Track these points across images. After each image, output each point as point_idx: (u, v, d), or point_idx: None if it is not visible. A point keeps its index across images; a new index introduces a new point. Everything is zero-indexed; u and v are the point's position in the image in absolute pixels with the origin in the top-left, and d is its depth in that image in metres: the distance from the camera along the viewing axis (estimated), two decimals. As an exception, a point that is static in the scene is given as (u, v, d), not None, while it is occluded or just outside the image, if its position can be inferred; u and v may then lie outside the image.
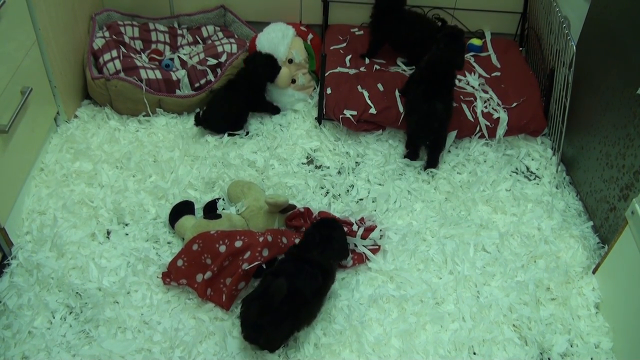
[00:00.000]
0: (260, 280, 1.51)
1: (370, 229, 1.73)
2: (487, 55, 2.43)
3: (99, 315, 1.50)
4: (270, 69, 2.17)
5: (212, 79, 2.23)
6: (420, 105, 1.97)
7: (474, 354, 1.50)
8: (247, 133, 2.15)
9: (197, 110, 2.17)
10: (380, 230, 1.74)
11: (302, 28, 2.42)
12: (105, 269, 1.62)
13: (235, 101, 2.11)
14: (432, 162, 2.02)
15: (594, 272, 1.70)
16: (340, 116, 2.08)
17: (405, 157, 2.06)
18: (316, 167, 2.04)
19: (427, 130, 1.99)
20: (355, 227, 1.72)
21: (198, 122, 2.07)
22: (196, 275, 1.56)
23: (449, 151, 2.10)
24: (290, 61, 2.25)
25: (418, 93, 2.00)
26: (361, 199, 1.91)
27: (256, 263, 1.53)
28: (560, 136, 2.04)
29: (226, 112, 2.10)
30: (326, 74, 2.19)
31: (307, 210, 1.75)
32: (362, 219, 1.77)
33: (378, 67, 2.30)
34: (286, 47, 2.24)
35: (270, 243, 1.57)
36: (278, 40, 2.24)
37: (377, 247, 1.71)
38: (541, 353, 1.51)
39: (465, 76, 2.29)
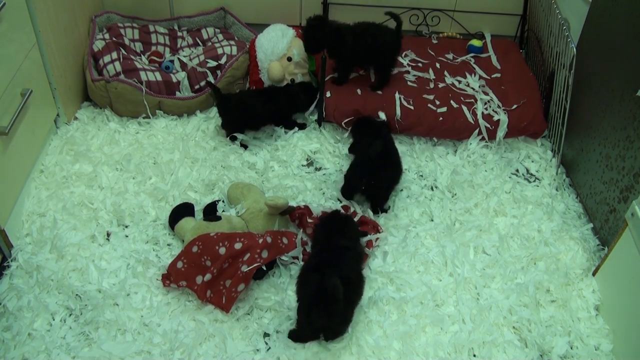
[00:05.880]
0: (299, 278, 1.47)
1: (366, 223, 1.75)
2: (487, 57, 2.43)
3: (99, 317, 1.50)
4: (308, 98, 2.17)
5: (212, 81, 2.23)
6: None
7: (474, 356, 1.50)
8: (246, 147, 2.09)
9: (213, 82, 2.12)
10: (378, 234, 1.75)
11: (302, 31, 2.41)
12: (105, 271, 1.62)
13: (263, 105, 2.08)
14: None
15: (594, 274, 1.70)
16: (342, 122, 2.09)
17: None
18: (316, 169, 2.04)
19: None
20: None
21: (217, 95, 2.06)
22: (196, 277, 1.56)
23: (448, 153, 2.11)
24: (290, 59, 2.25)
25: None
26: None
27: (255, 265, 1.53)
28: (560, 138, 2.04)
29: (249, 109, 2.07)
30: (326, 78, 2.19)
31: (307, 208, 1.75)
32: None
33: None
34: (285, 45, 2.24)
35: (269, 244, 1.57)
36: (278, 38, 2.25)
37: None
38: (541, 355, 1.51)
39: (465, 77, 2.29)
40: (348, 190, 1.85)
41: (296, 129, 2.17)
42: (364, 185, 1.80)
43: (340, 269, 1.43)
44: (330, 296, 1.34)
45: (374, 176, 1.79)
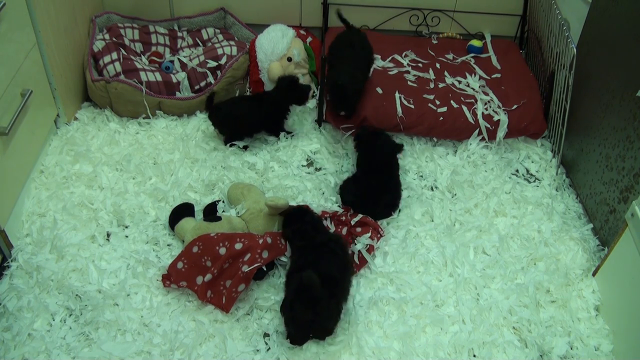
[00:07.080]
0: (285, 282, 1.53)
1: (364, 224, 1.74)
2: (487, 57, 2.43)
3: (99, 318, 1.50)
4: (295, 92, 2.09)
5: (212, 82, 2.23)
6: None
7: (474, 356, 1.50)
8: (246, 148, 2.09)
9: (211, 94, 2.09)
10: (378, 235, 1.75)
11: (302, 32, 2.42)
12: (105, 271, 1.62)
13: (253, 113, 2.06)
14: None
15: (593, 275, 1.70)
16: (341, 127, 2.09)
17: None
18: (316, 169, 2.04)
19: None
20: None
21: (209, 107, 2.04)
22: (196, 278, 1.56)
23: (448, 153, 2.11)
24: (290, 60, 2.25)
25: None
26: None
27: (256, 265, 1.53)
28: (560, 138, 2.04)
29: (239, 119, 2.05)
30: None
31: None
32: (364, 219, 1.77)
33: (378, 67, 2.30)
34: (286, 45, 2.24)
35: (269, 245, 1.57)
36: (278, 39, 2.24)
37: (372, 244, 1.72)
38: (541, 356, 1.51)
39: (465, 77, 2.29)
40: (344, 202, 1.85)
41: (282, 134, 2.14)
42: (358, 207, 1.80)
43: (317, 264, 1.44)
44: (308, 287, 1.35)
45: (370, 199, 1.80)
